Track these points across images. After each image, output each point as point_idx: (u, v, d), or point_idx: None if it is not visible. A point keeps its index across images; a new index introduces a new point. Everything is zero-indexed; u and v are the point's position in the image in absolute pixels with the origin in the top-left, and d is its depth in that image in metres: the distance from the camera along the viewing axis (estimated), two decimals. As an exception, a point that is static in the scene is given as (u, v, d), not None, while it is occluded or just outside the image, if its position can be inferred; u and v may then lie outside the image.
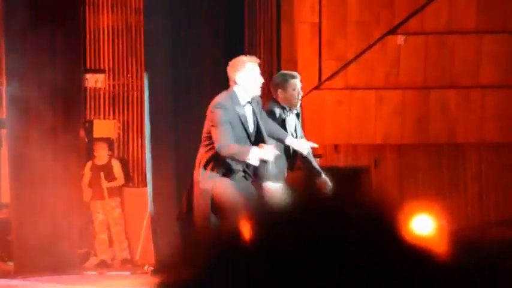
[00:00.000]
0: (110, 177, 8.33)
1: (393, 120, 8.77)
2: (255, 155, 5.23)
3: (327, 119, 8.80)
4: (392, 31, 8.76)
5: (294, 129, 5.92)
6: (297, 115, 5.96)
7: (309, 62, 8.80)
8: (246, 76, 5.35)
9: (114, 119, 8.80)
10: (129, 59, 8.81)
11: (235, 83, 5.35)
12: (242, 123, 5.33)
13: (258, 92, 5.41)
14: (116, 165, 8.40)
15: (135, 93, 8.80)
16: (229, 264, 1.42)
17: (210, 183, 5.31)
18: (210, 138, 5.33)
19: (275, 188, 5.69)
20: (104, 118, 8.81)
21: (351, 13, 8.76)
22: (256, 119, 5.45)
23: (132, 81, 8.83)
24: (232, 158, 5.28)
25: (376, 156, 8.75)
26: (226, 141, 5.23)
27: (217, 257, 1.43)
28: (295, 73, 6.03)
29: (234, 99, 5.35)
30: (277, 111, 5.80)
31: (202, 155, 5.37)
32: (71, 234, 7.86)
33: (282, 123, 5.81)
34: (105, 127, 8.66)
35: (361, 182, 7.56)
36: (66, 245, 7.76)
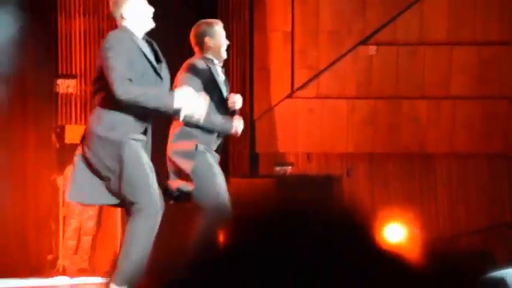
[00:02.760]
0: None
1: (365, 129, 8.82)
2: (185, 101, 4.37)
3: (299, 127, 8.82)
4: (364, 41, 8.82)
5: (224, 83, 5.43)
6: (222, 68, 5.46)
7: (282, 70, 8.83)
8: (134, 7, 4.63)
9: (86, 124, 8.74)
10: (102, 65, 8.77)
11: (122, 18, 4.61)
12: (145, 55, 4.54)
13: (151, 24, 4.67)
14: None
15: (107, 99, 8.76)
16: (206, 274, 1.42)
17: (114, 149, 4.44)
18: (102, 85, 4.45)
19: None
20: (76, 124, 8.75)
21: (324, 22, 8.80)
22: (158, 57, 4.69)
23: (104, 87, 8.79)
24: (140, 106, 4.38)
25: (348, 165, 8.79)
26: (123, 79, 4.24)
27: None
28: (217, 20, 5.62)
29: (129, 32, 4.56)
30: (204, 65, 5.26)
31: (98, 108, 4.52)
32: (41, 240, 7.79)
33: (211, 79, 5.26)
34: (77, 132, 8.60)
35: (333, 191, 7.59)
36: (36, 251, 7.69)
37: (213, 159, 5.29)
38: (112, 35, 4.62)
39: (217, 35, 5.45)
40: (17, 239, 7.59)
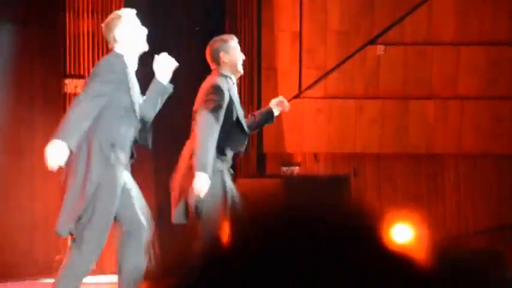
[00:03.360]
0: None
1: (372, 129, 8.81)
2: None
3: (306, 127, 8.81)
4: (372, 41, 8.81)
5: (239, 103, 5.40)
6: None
7: (289, 70, 8.82)
8: (126, 30, 4.56)
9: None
10: (109, 64, 8.78)
11: (115, 41, 4.55)
12: (129, 90, 4.52)
13: (145, 47, 4.66)
14: None
15: (114, 99, 8.77)
16: (212, 275, 1.42)
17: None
18: None
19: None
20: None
21: (332, 22, 8.80)
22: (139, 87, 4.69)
23: (111, 87, 8.79)
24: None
25: (355, 165, 8.78)
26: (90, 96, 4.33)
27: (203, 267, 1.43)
28: (231, 35, 5.58)
29: (121, 59, 4.50)
30: (224, 84, 5.22)
31: None
32: (49, 240, 7.81)
33: (230, 101, 5.22)
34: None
35: (340, 191, 7.58)
36: (44, 251, 7.71)
37: (229, 178, 5.29)
38: (104, 62, 4.60)
39: (232, 50, 5.43)
40: (24, 239, 7.61)
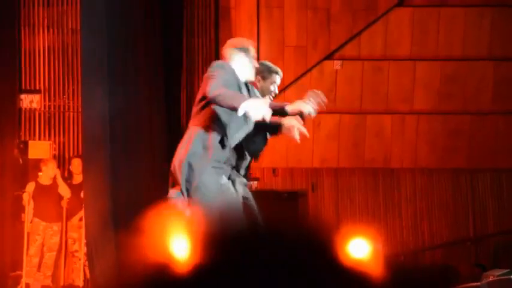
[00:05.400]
0: (56, 198, 8.14)
1: (330, 144, 8.86)
2: (251, 105, 4.50)
3: (264, 142, 8.83)
4: (329, 56, 8.88)
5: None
6: None
7: (247, 85, 8.84)
8: (248, 59, 5.11)
9: (49, 140, 8.67)
10: (66, 79, 8.72)
11: (233, 60, 5.04)
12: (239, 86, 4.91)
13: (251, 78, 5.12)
14: (61, 184, 8.23)
15: (71, 114, 8.70)
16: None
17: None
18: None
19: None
20: (39, 139, 8.68)
21: (289, 38, 8.85)
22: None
23: (68, 102, 8.73)
24: (219, 103, 4.63)
25: (313, 179, 8.82)
26: (218, 85, 4.65)
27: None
28: (279, 70, 5.69)
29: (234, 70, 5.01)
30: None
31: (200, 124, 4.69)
32: (3, 256, 7.69)
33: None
34: (40, 148, 8.53)
35: (298, 205, 7.60)
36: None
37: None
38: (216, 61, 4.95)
39: (270, 83, 5.55)
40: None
